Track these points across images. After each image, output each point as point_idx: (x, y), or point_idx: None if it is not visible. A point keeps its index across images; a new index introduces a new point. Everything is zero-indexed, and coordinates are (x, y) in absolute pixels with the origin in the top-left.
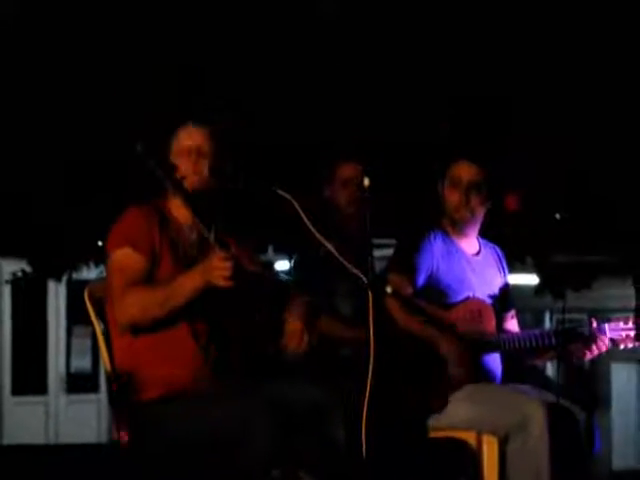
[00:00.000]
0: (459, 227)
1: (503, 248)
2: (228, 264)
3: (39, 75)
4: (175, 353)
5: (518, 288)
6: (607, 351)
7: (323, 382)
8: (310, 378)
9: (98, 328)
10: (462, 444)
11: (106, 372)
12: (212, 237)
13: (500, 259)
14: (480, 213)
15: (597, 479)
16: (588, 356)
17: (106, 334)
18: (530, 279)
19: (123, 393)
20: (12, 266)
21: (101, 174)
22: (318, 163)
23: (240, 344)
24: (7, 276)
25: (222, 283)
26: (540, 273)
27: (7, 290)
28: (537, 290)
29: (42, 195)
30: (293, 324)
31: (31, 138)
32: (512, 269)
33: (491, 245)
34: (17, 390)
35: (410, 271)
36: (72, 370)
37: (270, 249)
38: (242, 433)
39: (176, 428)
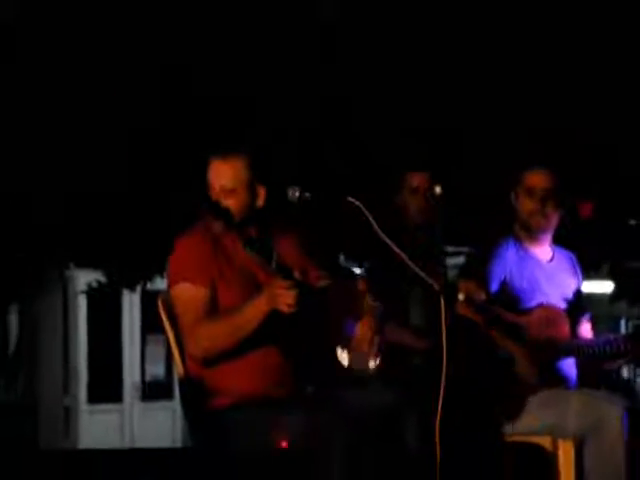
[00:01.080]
0: (534, 234)
1: (578, 255)
2: (291, 292)
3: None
4: (247, 362)
5: (593, 296)
6: None
7: (396, 388)
8: (383, 385)
9: (171, 335)
10: (538, 449)
11: (179, 379)
12: (273, 265)
13: (574, 265)
14: (554, 220)
15: None
16: None
17: (179, 341)
18: (605, 286)
19: (196, 400)
20: (87, 277)
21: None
22: (388, 171)
23: (309, 355)
24: (82, 287)
25: (286, 310)
26: (615, 280)
27: (83, 301)
28: (612, 297)
29: (117, 207)
30: (363, 330)
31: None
32: (587, 277)
33: (565, 251)
34: (93, 398)
35: (483, 278)
36: (147, 378)
37: (341, 258)
38: (317, 445)
39: (244, 437)
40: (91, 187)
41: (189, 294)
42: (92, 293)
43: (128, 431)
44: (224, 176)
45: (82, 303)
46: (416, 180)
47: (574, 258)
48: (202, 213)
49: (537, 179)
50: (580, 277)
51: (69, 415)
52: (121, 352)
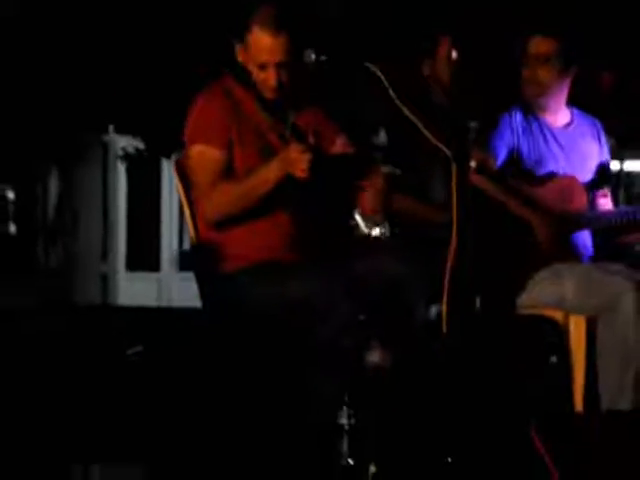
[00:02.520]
0: (532, 102)
1: (614, 133)
2: (305, 156)
3: None
4: (259, 227)
5: (630, 175)
6: None
7: (406, 257)
8: (393, 253)
9: (185, 199)
10: (550, 322)
11: (191, 242)
12: (288, 130)
13: (598, 130)
14: (554, 86)
15: None
16: None
17: (192, 205)
18: None
19: (207, 263)
20: (126, 143)
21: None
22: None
23: (323, 221)
24: (121, 153)
25: (300, 174)
26: None
27: (122, 168)
28: None
29: (149, 76)
30: (373, 194)
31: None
32: (624, 155)
33: (588, 117)
34: (131, 266)
35: (492, 149)
36: (185, 248)
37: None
38: (313, 307)
39: (253, 299)
40: (129, 53)
41: (205, 156)
42: (129, 159)
43: (165, 299)
44: (278, 51)
45: (121, 170)
46: (446, 48)
47: (598, 124)
48: (221, 73)
49: (530, 45)
50: (605, 145)
51: (107, 282)
52: (160, 221)
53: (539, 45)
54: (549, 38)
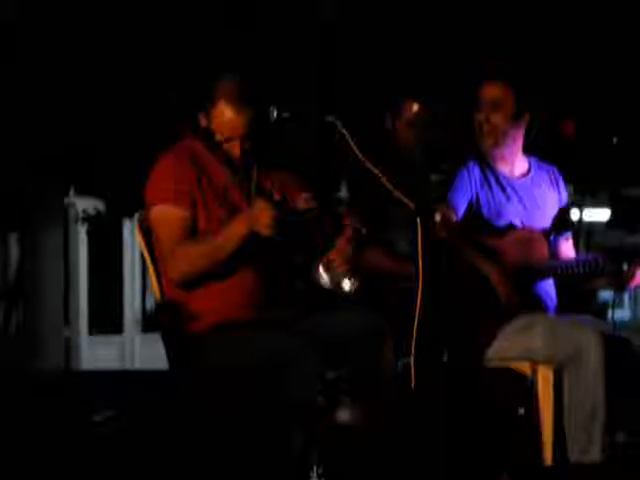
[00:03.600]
0: (488, 152)
1: (574, 182)
2: (270, 213)
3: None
4: (225, 285)
5: (590, 224)
6: None
7: (374, 311)
8: (361, 307)
9: (148, 257)
10: (517, 375)
11: (156, 303)
12: (253, 187)
13: (556, 178)
14: (507, 132)
15: None
16: (639, 277)
17: (156, 264)
18: (602, 214)
19: (173, 324)
20: (87, 204)
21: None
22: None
23: (288, 277)
24: (81, 214)
25: (265, 231)
26: (612, 207)
27: (83, 228)
28: (608, 225)
29: (111, 137)
30: (340, 250)
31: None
32: (584, 204)
33: (545, 165)
34: (94, 329)
35: (451, 203)
36: (148, 309)
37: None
38: (283, 365)
39: (221, 359)
40: (89, 117)
41: (169, 215)
42: (90, 220)
43: (128, 362)
44: (241, 126)
45: (82, 232)
46: (413, 108)
47: (556, 172)
48: (183, 132)
49: (483, 91)
50: (563, 192)
51: (69, 346)
52: (122, 282)
53: (491, 90)
54: (500, 83)
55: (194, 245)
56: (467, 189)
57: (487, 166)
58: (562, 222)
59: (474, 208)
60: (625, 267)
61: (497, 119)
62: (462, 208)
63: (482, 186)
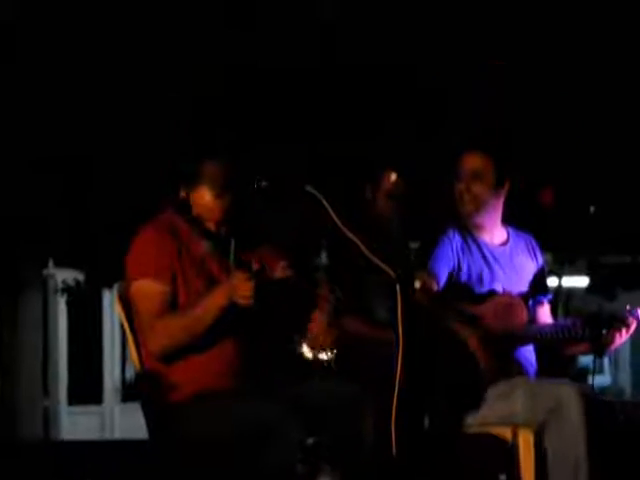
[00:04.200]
0: (468, 220)
1: (553, 250)
2: (249, 284)
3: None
4: (205, 356)
5: (569, 290)
6: None
7: (352, 379)
8: (339, 376)
9: (128, 328)
10: (498, 440)
11: (135, 373)
12: (231, 258)
13: (533, 247)
14: (488, 201)
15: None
16: (617, 341)
17: (135, 336)
18: (581, 281)
19: (153, 394)
20: (66, 276)
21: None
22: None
23: (267, 346)
24: (60, 285)
25: (244, 302)
26: (591, 275)
27: (63, 301)
28: (587, 291)
29: (91, 207)
30: (318, 321)
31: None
32: (563, 272)
33: (521, 233)
34: (73, 399)
35: (432, 270)
36: (127, 379)
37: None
38: (263, 433)
39: (201, 428)
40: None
41: (149, 290)
42: (69, 291)
43: (108, 432)
44: (220, 210)
45: (62, 303)
46: (391, 178)
47: (531, 239)
48: (162, 206)
49: (463, 161)
50: (539, 258)
51: (49, 417)
52: (102, 352)
53: (471, 161)
54: (481, 153)
55: (173, 319)
56: (449, 257)
57: (468, 234)
58: (539, 287)
59: (456, 275)
60: (604, 332)
61: (478, 189)
62: (444, 276)
63: (464, 253)
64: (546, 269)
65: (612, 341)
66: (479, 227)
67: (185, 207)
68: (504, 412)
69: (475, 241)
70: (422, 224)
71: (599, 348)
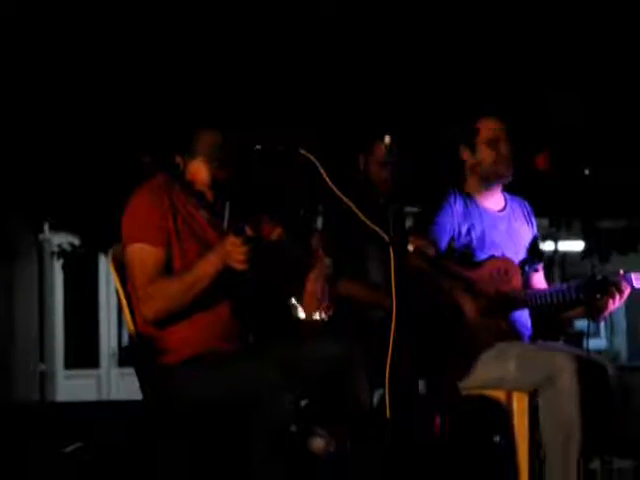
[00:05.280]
0: (494, 183)
1: (548, 214)
2: (243, 249)
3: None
4: (198, 320)
5: (565, 254)
6: None
7: (347, 341)
8: (334, 337)
9: (122, 291)
10: (492, 401)
11: (129, 335)
12: (225, 223)
13: (528, 212)
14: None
15: (630, 435)
16: (611, 307)
17: (129, 298)
18: (576, 245)
19: (146, 357)
20: (62, 240)
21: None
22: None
23: (261, 310)
24: (55, 249)
25: (239, 266)
26: (586, 239)
27: (59, 265)
28: (583, 255)
29: (84, 170)
30: (312, 282)
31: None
32: (559, 236)
33: (518, 199)
34: (70, 364)
35: (432, 235)
36: (124, 343)
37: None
38: (254, 394)
39: (195, 390)
40: (65, 151)
41: (144, 254)
42: (65, 256)
43: (105, 396)
44: (215, 185)
45: (57, 267)
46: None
47: (527, 206)
48: (153, 169)
49: (495, 127)
50: (534, 225)
51: (45, 381)
52: (98, 317)
53: (494, 124)
54: (502, 120)
55: (168, 283)
56: (450, 222)
57: (469, 199)
58: (534, 253)
59: (456, 240)
60: (598, 296)
61: (507, 149)
62: (444, 241)
63: (465, 219)
64: (542, 233)
65: (606, 306)
66: (487, 192)
67: (179, 171)
68: (498, 374)
69: (477, 207)
70: (424, 188)
71: (593, 313)
